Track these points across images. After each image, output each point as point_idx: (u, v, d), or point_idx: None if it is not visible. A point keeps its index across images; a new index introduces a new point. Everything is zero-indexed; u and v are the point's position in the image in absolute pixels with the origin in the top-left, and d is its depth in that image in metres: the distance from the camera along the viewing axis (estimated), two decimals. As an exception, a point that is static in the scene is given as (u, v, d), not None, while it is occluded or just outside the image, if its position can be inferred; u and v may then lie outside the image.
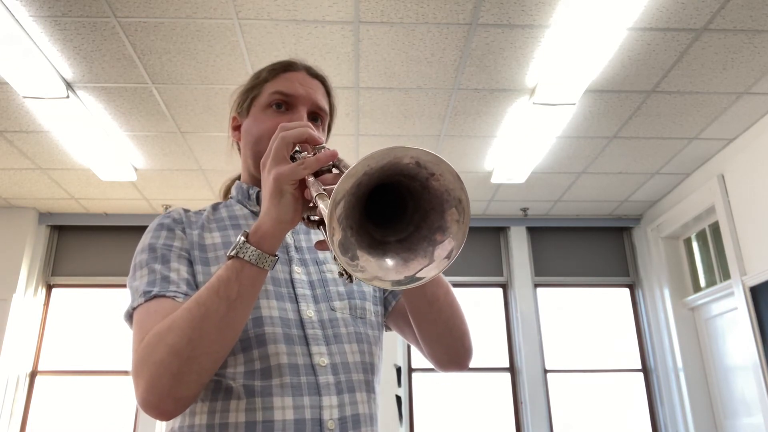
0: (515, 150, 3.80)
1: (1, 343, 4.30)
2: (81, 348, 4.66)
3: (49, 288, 4.80)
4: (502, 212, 4.96)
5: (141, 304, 0.86)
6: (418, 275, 0.66)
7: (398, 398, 4.46)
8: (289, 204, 0.77)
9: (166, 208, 4.71)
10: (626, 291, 5.08)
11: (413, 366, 4.76)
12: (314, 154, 0.77)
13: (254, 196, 1.04)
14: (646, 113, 3.45)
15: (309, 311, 0.93)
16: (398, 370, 4.53)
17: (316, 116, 1.04)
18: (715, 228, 4.17)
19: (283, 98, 1.02)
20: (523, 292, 4.87)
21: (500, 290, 5.04)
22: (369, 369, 0.95)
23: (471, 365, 1.01)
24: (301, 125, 0.83)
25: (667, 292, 4.63)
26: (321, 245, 0.82)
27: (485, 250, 5.06)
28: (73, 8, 2.54)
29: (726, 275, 4.04)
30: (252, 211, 1.04)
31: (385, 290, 1.07)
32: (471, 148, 3.86)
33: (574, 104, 3.28)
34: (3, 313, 4.38)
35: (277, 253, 0.80)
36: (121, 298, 4.80)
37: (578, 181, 4.36)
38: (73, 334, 4.70)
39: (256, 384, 0.84)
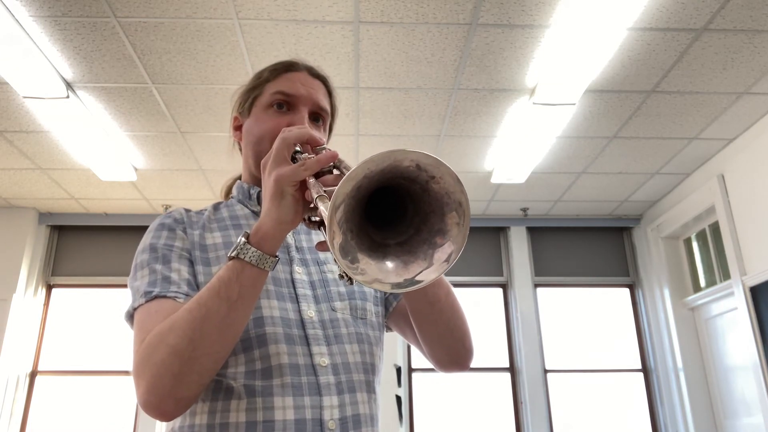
0: (515, 150, 3.80)
1: (1, 343, 4.30)
2: (81, 348, 4.66)
3: (49, 288, 4.80)
4: (502, 212, 4.96)
5: (142, 304, 0.86)
6: (417, 278, 0.66)
7: (398, 398, 4.46)
8: (290, 205, 0.77)
9: (166, 208, 4.71)
10: (626, 291, 5.08)
11: (413, 366, 4.76)
12: (315, 155, 0.78)
13: (255, 196, 1.04)
14: (646, 113, 3.45)
15: (310, 311, 0.93)
16: (398, 370, 4.53)
17: (317, 116, 1.05)
18: (715, 228, 4.18)
19: (284, 98, 1.02)
20: (523, 292, 4.87)
21: (500, 290, 5.04)
22: (369, 369, 0.95)
23: (471, 365, 1.01)
24: (301, 128, 0.83)
25: (667, 292, 4.63)
26: (322, 246, 0.82)
27: (485, 250, 5.06)
28: (73, 8, 2.54)
29: (726, 275, 4.04)
30: (253, 211, 1.04)
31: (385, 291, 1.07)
32: (471, 148, 3.86)
33: (574, 104, 3.28)
34: (3, 313, 4.38)
35: (278, 253, 0.80)
36: (121, 298, 4.80)
37: (578, 181, 4.36)
38: (73, 334, 4.69)
39: (257, 384, 0.84)
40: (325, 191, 0.72)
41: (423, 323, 0.95)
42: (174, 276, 0.89)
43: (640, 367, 4.86)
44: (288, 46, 2.82)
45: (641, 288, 4.99)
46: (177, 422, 0.88)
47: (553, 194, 4.60)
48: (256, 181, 1.04)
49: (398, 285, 0.66)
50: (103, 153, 3.74)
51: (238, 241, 0.79)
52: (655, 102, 3.33)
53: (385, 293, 1.07)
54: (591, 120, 3.52)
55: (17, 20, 2.57)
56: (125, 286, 0.95)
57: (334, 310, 0.95)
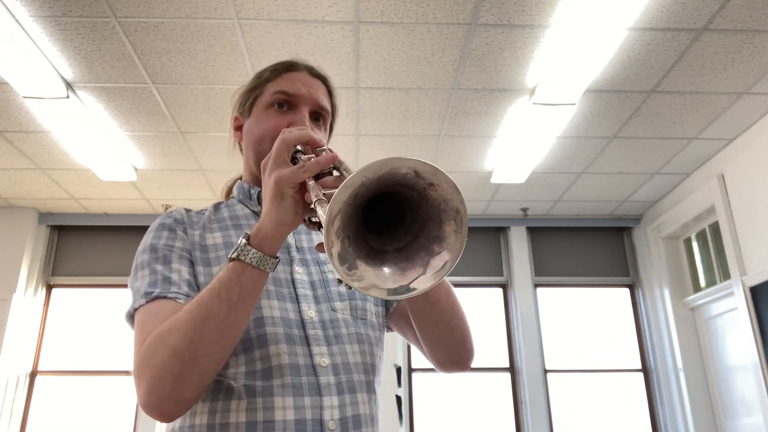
0: (515, 150, 3.80)
1: (1, 343, 4.30)
2: (81, 348, 4.66)
3: (49, 288, 4.80)
4: (502, 212, 4.96)
5: (142, 305, 0.86)
6: (413, 285, 0.67)
7: (398, 398, 4.46)
8: (290, 207, 0.77)
9: (166, 208, 4.71)
10: (626, 291, 5.08)
11: (413, 366, 4.76)
12: (315, 157, 0.78)
13: (255, 196, 1.04)
14: (646, 113, 3.45)
15: (310, 311, 0.93)
16: (398, 370, 4.53)
17: (318, 116, 1.05)
18: (715, 228, 4.18)
19: (285, 98, 1.02)
20: (523, 292, 4.87)
21: (500, 290, 5.04)
22: (370, 370, 0.95)
23: (471, 365, 1.01)
24: (301, 128, 0.83)
25: (667, 292, 4.63)
26: (322, 248, 0.82)
27: (485, 250, 5.06)
28: (73, 8, 2.54)
29: (726, 275, 4.04)
30: (253, 211, 1.04)
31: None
32: (471, 148, 3.86)
33: (574, 104, 3.28)
34: (3, 313, 4.38)
35: (278, 253, 0.80)
36: (121, 298, 4.80)
37: (578, 181, 4.36)
38: (73, 334, 4.69)
39: (257, 384, 0.84)
40: (324, 194, 0.72)
41: (423, 323, 0.95)
42: (174, 276, 0.89)
43: (640, 367, 4.86)
44: (288, 46, 2.82)
45: (641, 288, 4.99)
46: (177, 422, 0.88)
47: (553, 194, 4.60)
48: (257, 181, 1.04)
49: (395, 291, 0.66)
50: (103, 153, 3.74)
51: (239, 242, 0.79)
52: (655, 102, 3.33)
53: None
54: (591, 120, 3.52)
55: (17, 20, 2.57)
56: (125, 286, 0.95)
57: (334, 310, 0.95)
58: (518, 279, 4.90)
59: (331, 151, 0.80)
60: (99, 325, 4.72)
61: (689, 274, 4.65)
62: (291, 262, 0.98)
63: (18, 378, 4.43)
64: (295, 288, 0.94)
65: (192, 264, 0.93)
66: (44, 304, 4.73)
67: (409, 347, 4.73)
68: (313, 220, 0.82)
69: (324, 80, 1.08)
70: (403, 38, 2.78)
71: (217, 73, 3.01)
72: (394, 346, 4.55)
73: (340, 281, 0.66)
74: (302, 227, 1.05)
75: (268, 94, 1.03)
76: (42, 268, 4.73)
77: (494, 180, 4.25)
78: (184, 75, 3.02)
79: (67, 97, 3.09)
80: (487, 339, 4.91)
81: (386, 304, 1.07)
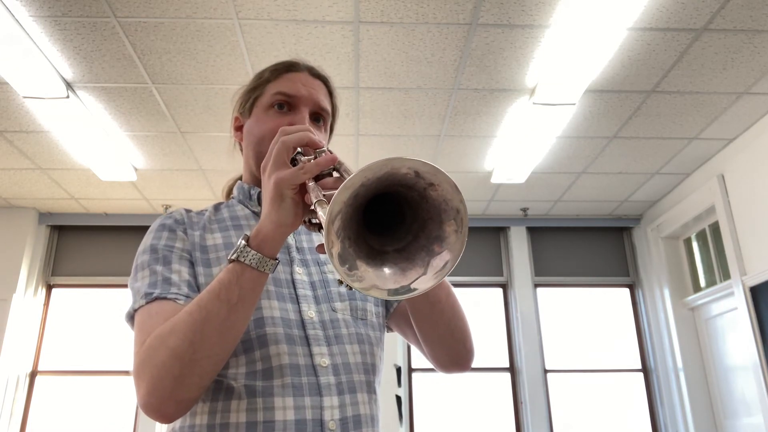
0: (515, 150, 3.80)
1: (1, 343, 4.30)
2: (81, 348, 4.66)
3: (49, 288, 4.80)
4: (502, 212, 4.96)
5: (142, 305, 0.86)
6: (413, 285, 0.67)
7: (398, 398, 4.46)
8: (290, 208, 0.77)
9: (167, 208, 4.71)
10: (626, 291, 5.08)
11: (413, 366, 4.76)
12: (315, 158, 0.78)
13: (255, 197, 1.04)
14: (646, 113, 3.45)
15: (310, 312, 0.93)
16: (398, 370, 4.53)
17: (318, 117, 1.05)
18: (715, 228, 4.18)
19: (285, 98, 1.02)
20: (523, 292, 4.87)
21: (500, 290, 5.04)
22: (370, 370, 0.95)
23: (472, 366, 1.01)
24: (301, 129, 0.83)
25: (667, 292, 4.63)
26: (322, 249, 0.82)
27: (485, 250, 5.06)
28: (73, 8, 2.54)
29: (726, 275, 4.04)
30: (254, 212, 1.04)
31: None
32: (471, 148, 3.86)
33: (574, 104, 3.28)
34: (3, 313, 4.38)
35: (278, 254, 0.80)
36: (121, 298, 4.80)
37: (578, 181, 4.36)
38: (73, 334, 4.69)
39: (258, 384, 0.84)
40: (324, 195, 0.72)
41: (424, 324, 0.95)
42: (174, 277, 0.89)
43: (640, 367, 4.86)
44: (288, 46, 2.82)
45: (641, 288, 4.99)
46: (177, 422, 0.88)
47: (553, 194, 4.60)
48: (257, 181, 1.04)
49: (395, 292, 0.66)
50: (103, 153, 3.74)
51: (239, 243, 0.79)
52: (655, 102, 3.33)
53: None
54: (591, 120, 3.52)
55: (17, 20, 2.57)
56: (125, 286, 0.95)
57: (334, 310, 0.95)
58: (518, 279, 4.90)
59: (330, 153, 0.80)
60: (99, 325, 4.72)
61: (689, 274, 4.65)
62: (291, 262, 0.98)
63: (18, 378, 4.43)
64: (295, 288, 0.94)
65: (192, 265, 0.93)
66: (44, 304, 4.73)
67: (409, 347, 4.73)
68: (313, 221, 0.82)
69: (324, 81, 1.08)
70: (403, 38, 2.78)
71: (217, 73, 3.01)
72: (394, 346, 4.55)
73: (340, 282, 0.66)
74: (302, 228, 1.05)
75: (268, 94, 1.03)
76: (42, 268, 4.73)
77: (494, 180, 4.25)
78: (184, 75, 3.02)
79: (67, 97, 3.09)
80: (487, 339, 4.91)
81: (386, 305, 1.07)
